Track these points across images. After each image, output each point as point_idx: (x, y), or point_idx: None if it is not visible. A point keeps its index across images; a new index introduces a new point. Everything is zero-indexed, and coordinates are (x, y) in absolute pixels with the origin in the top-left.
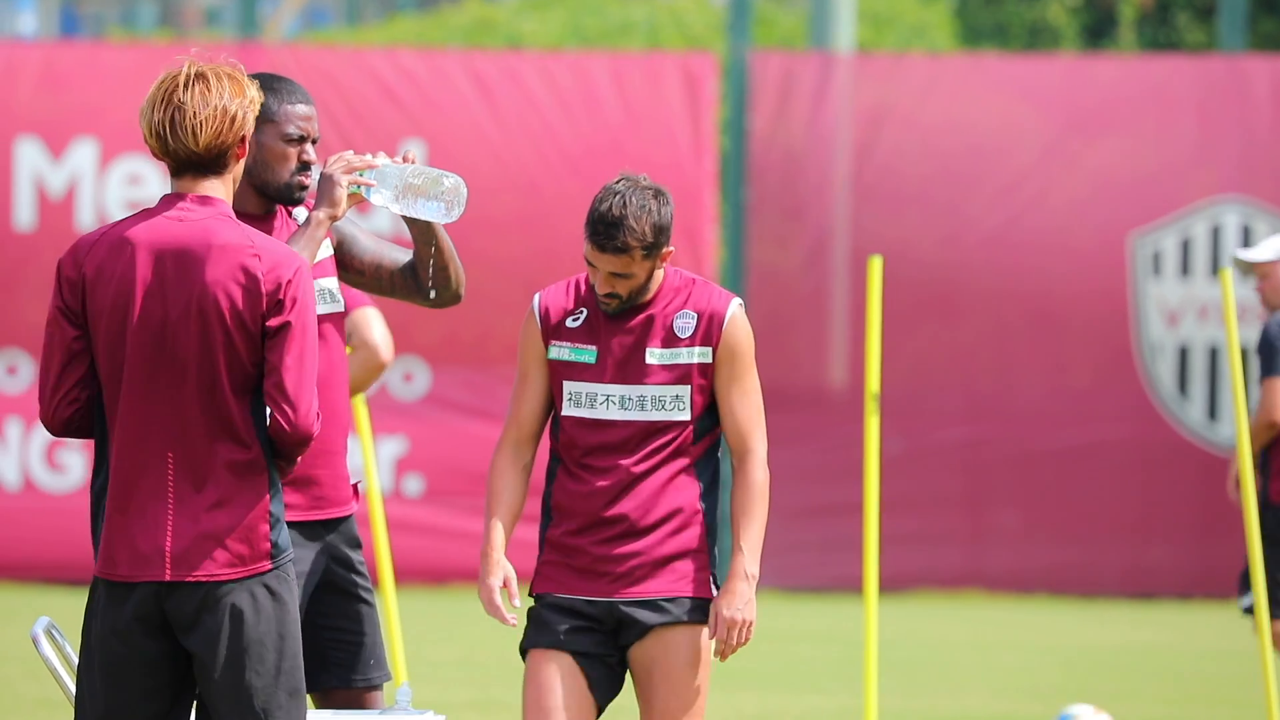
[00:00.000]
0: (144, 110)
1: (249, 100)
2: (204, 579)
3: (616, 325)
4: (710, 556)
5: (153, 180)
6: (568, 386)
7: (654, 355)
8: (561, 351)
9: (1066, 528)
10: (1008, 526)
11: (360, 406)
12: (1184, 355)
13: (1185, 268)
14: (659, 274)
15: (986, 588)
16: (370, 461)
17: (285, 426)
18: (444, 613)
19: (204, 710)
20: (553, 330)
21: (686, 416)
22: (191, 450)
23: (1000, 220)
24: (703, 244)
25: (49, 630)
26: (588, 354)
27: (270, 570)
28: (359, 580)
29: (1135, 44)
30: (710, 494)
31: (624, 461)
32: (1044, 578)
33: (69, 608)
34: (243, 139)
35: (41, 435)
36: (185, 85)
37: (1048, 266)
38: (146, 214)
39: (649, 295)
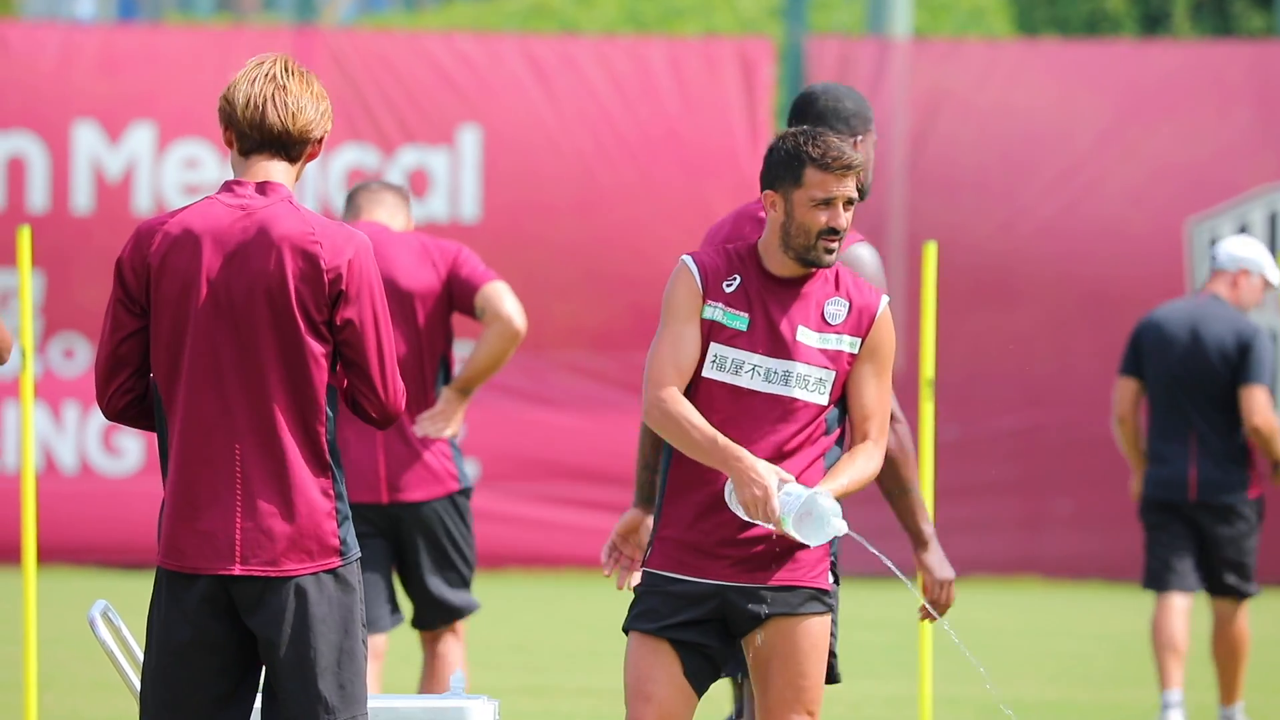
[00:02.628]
0: (237, 84)
1: (330, 107)
2: (273, 574)
3: (771, 297)
4: (831, 546)
5: (210, 164)
6: (714, 349)
7: (805, 335)
8: (715, 312)
9: (1121, 514)
10: (1062, 513)
11: None
12: None
13: None
14: None
15: (1041, 574)
16: None
17: (373, 413)
18: (498, 598)
19: (270, 694)
20: (711, 288)
21: (824, 401)
22: (258, 443)
23: (1056, 206)
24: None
25: (105, 614)
26: (741, 320)
27: (339, 567)
28: None
29: (1192, 31)
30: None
31: (757, 436)
32: (1099, 564)
33: (126, 591)
34: (322, 138)
35: (98, 419)
36: (286, 71)
37: (1104, 253)
38: (208, 202)
39: (808, 270)
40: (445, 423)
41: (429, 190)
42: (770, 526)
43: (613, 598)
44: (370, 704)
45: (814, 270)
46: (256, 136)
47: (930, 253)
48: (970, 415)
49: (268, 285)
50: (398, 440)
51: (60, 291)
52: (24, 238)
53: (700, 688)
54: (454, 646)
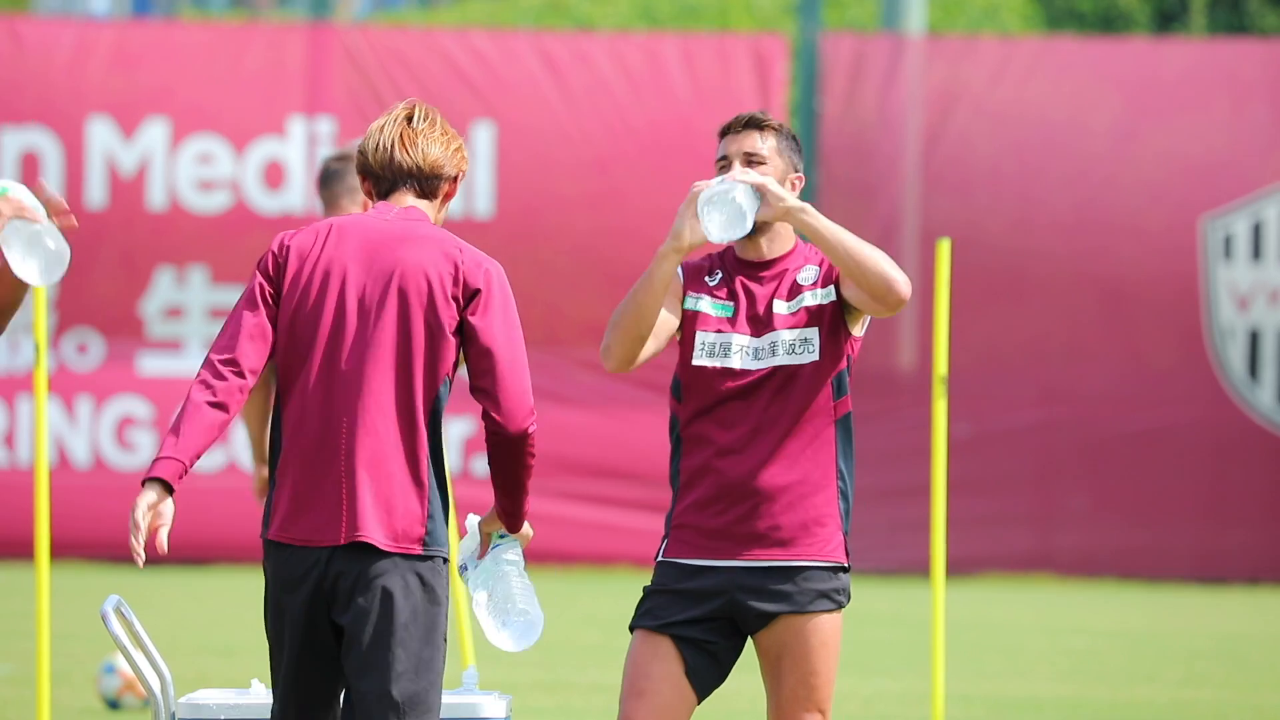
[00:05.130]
0: (371, 132)
1: (461, 149)
2: (364, 540)
3: (749, 281)
4: (843, 523)
5: (223, 159)
6: (701, 336)
7: (781, 305)
8: (700, 303)
9: (1136, 512)
10: (1077, 510)
11: None
12: (1255, 339)
13: (1257, 251)
14: (786, 232)
15: (1055, 571)
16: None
17: (500, 421)
18: None
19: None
20: (691, 280)
21: (815, 356)
22: (368, 428)
23: (1071, 203)
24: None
25: (118, 608)
26: (727, 308)
27: (421, 557)
28: None
29: (1206, 28)
30: (847, 458)
31: (755, 410)
32: (1113, 562)
33: (138, 586)
34: (455, 178)
35: (112, 413)
36: (412, 116)
37: (1118, 250)
38: (355, 215)
39: (782, 252)
40: None
41: None
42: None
43: (627, 594)
44: None
45: (791, 250)
46: (390, 176)
47: (944, 250)
48: (984, 412)
49: (403, 278)
50: None
51: (74, 286)
52: None
53: (702, 688)
54: None
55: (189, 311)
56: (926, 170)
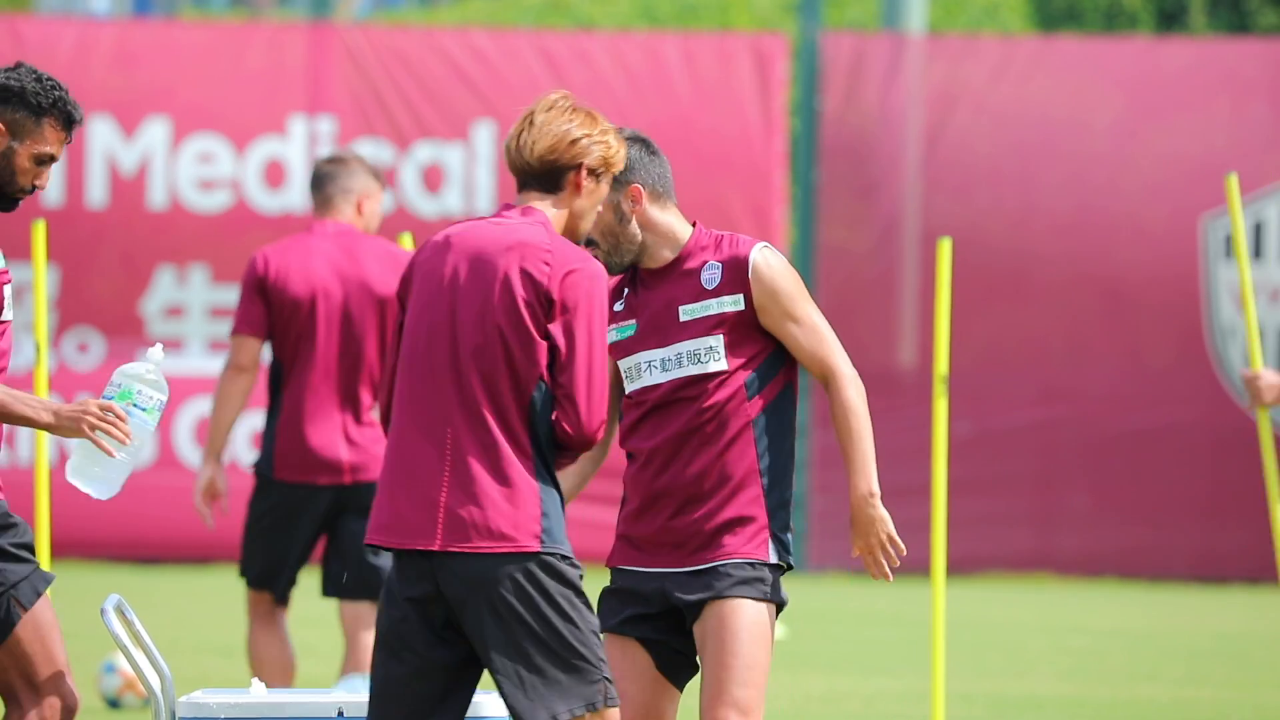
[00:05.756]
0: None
1: (603, 140)
2: (469, 550)
3: (651, 292)
4: (771, 517)
5: (224, 158)
6: (622, 365)
7: (686, 312)
8: (612, 334)
9: (1136, 511)
10: (1077, 509)
11: None
12: None
13: (1257, 250)
14: (669, 232)
15: (1056, 571)
16: None
17: (568, 429)
18: None
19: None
20: (610, 316)
21: (722, 366)
22: (469, 433)
23: (1071, 202)
24: (772, 225)
25: (119, 607)
26: (629, 329)
27: (539, 555)
28: None
29: (1207, 27)
30: (774, 452)
31: (671, 420)
32: (1114, 561)
33: (139, 585)
34: (579, 166)
35: None
36: (543, 108)
37: (1119, 249)
38: (477, 218)
39: (676, 252)
40: None
41: (444, 185)
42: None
43: None
44: None
45: (687, 243)
46: (516, 175)
47: (945, 249)
48: (984, 411)
49: (489, 290)
50: (358, 426)
51: (74, 286)
52: (39, 232)
53: (678, 680)
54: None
55: (190, 311)
56: (927, 170)
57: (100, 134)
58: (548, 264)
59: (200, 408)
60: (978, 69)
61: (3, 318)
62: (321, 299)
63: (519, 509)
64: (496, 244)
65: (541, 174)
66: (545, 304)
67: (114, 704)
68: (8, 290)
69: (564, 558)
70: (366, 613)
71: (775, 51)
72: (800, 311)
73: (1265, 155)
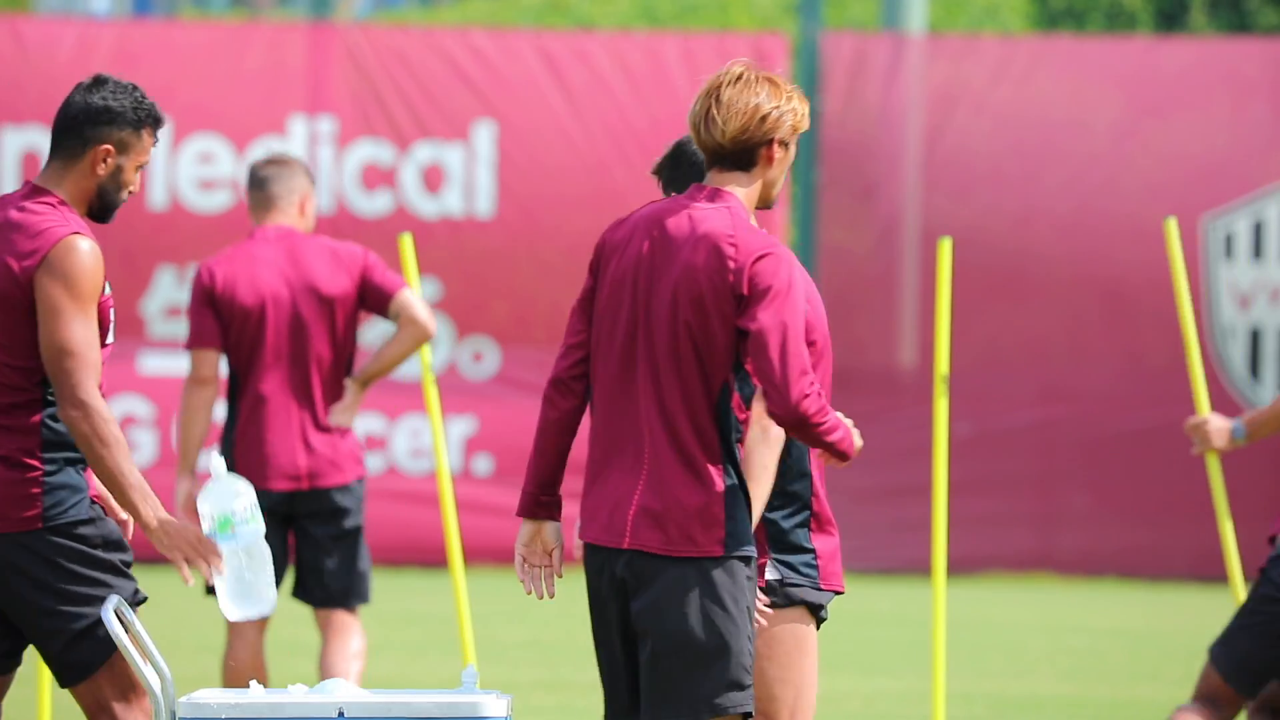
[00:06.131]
0: (691, 106)
1: (788, 108)
2: (656, 550)
3: None
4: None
5: (224, 158)
6: None
7: None
8: None
9: (1137, 511)
10: (1078, 509)
11: (430, 386)
12: (1256, 338)
13: (1257, 250)
14: None
15: (1056, 571)
16: (440, 441)
17: (776, 410)
18: (512, 593)
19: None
20: None
21: None
22: (661, 428)
23: (1071, 202)
24: (773, 225)
25: (118, 608)
26: None
27: (722, 558)
28: None
29: (1208, 27)
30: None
31: None
32: (1114, 561)
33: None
34: (771, 141)
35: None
36: (728, 83)
37: (1119, 249)
38: (671, 199)
39: None
40: (354, 413)
41: (444, 185)
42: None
43: None
44: (380, 699)
45: None
46: (705, 153)
47: (945, 249)
48: (986, 411)
49: (677, 279)
50: (316, 431)
51: None
52: None
53: None
54: (357, 635)
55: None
56: (927, 169)
57: None
58: (734, 256)
59: None
60: (978, 69)
61: (106, 341)
62: (271, 306)
63: (705, 512)
64: (683, 234)
65: (734, 153)
66: (734, 295)
67: None
68: (111, 314)
69: (745, 560)
70: (335, 619)
71: (775, 51)
72: None
73: (1265, 155)
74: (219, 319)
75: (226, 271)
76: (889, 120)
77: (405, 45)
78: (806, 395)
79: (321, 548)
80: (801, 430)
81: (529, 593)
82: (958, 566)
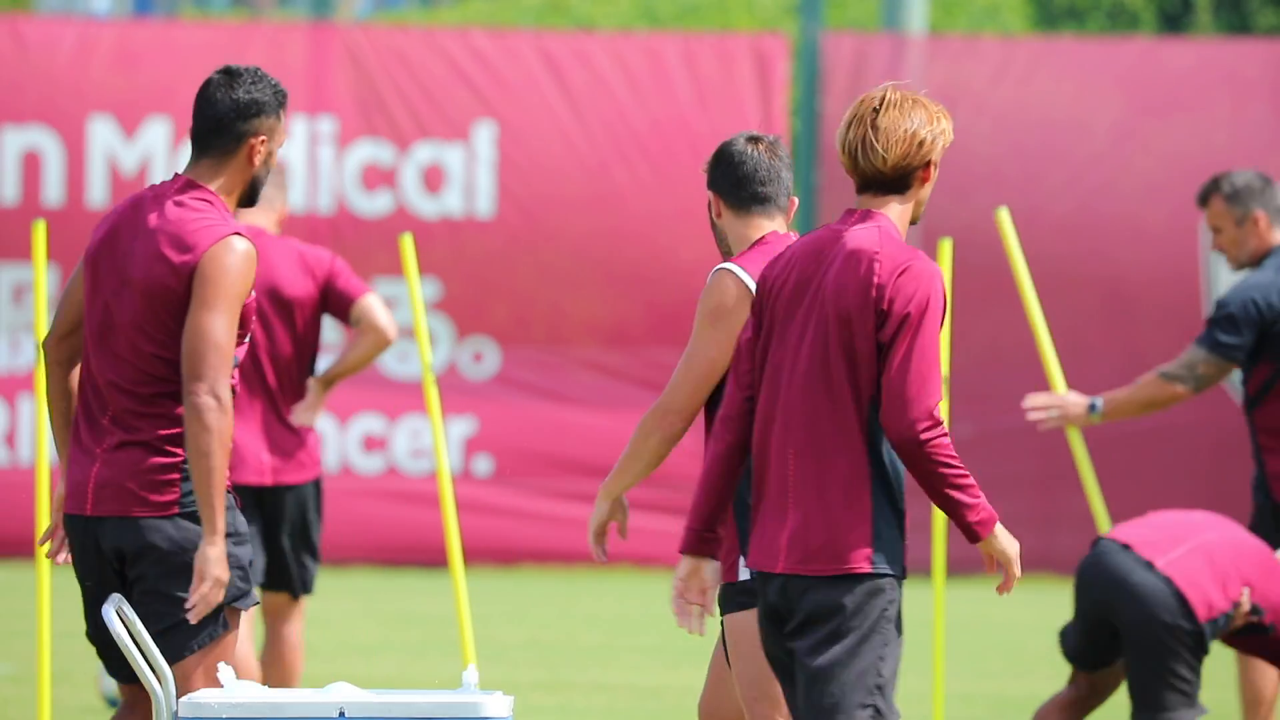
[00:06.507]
0: (840, 130)
1: (940, 129)
2: (807, 572)
3: None
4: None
5: None
6: None
7: None
8: None
9: (1137, 511)
10: (1077, 509)
11: (430, 386)
12: None
13: None
14: (747, 235)
15: (1056, 572)
16: (440, 442)
17: (889, 425)
18: (513, 593)
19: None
20: None
21: None
22: (812, 450)
23: (1071, 203)
24: None
25: (119, 607)
26: None
27: (868, 578)
28: None
29: (1211, 27)
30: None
31: None
32: None
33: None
34: (927, 164)
35: None
36: (881, 108)
37: (1120, 250)
38: (824, 227)
39: None
40: (317, 412)
41: (444, 186)
42: None
43: (628, 594)
44: (381, 699)
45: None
46: (859, 179)
47: (945, 250)
48: (986, 412)
49: (824, 299)
50: (279, 427)
51: None
52: (39, 232)
53: None
54: (298, 626)
55: None
56: None
57: (101, 134)
58: (878, 270)
59: None
60: (978, 69)
61: (243, 340)
62: None
63: (853, 531)
64: (834, 257)
65: (894, 179)
66: (877, 311)
67: (114, 703)
68: (251, 315)
69: (893, 578)
70: (284, 605)
71: (776, 52)
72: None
73: (1266, 155)
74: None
75: None
76: None
77: (406, 45)
78: (924, 419)
79: (279, 538)
80: (913, 454)
81: (681, 626)
82: (957, 566)
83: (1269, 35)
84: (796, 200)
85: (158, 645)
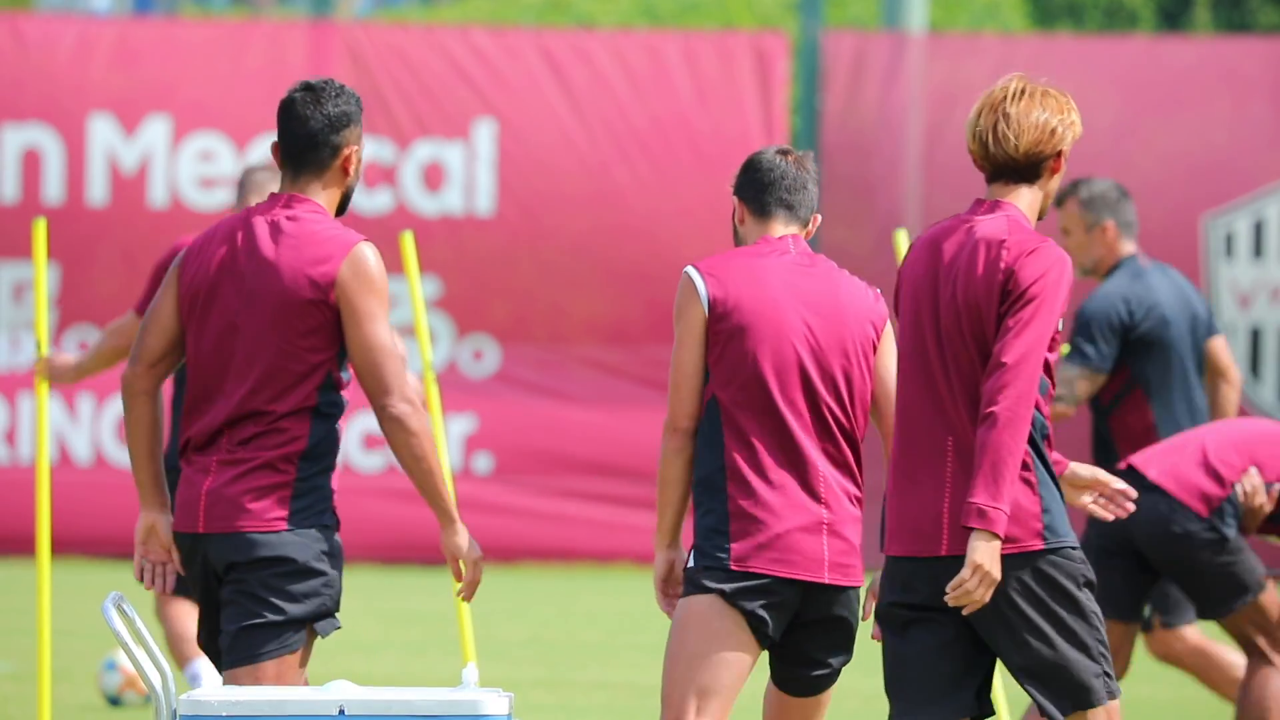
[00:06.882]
0: (970, 119)
1: (1070, 120)
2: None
3: None
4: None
5: (225, 156)
6: None
7: None
8: None
9: None
10: (1077, 509)
11: (430, 384)
12: (1256, 337)
13: (1258, 249)
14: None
15: None
16: (440, 439)
17: (984, 393)
18: (513, 592)
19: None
20: None
21: None
22: (966, 436)
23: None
24: None
25: (119, 605)
26: None
27: (1042, 552)
28: None
29: (1210, 25)
30: (699, 465)
31: None
32: None
33: (139, 583)
34: (1058, 154)
35: (112, 410)
36: (1013, 97)
37: None
38: (954, 217)
39: None
40: None
41: (444, 184)
42: None
43: (628, 592)
44: (381, 697)
45: None
46: (990, 168)
47: (900, 241)
48: None
49: (958, 288)
50: None
51: (75, 284)
52: (39, 230)
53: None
54: None
55: None
56: (928, 168)
57: (101, 132)
58: (1005, 255)
59: None
60: (978, 68)
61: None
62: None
63: (1020, 508)
64: (962, 246)
65: (1025, 167)
66: (1003, 293)
67: (115, 701)
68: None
69: (1071, 548)
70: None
71: (776, 50)
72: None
73: (1266, 154)
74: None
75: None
76: (889, 119)
77: (406, 43)
78: (1004, 389)
79: None
80: (992, 416)
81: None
82: None
83: (1269, 33)
84: (820, 218)
85: (236, 642)
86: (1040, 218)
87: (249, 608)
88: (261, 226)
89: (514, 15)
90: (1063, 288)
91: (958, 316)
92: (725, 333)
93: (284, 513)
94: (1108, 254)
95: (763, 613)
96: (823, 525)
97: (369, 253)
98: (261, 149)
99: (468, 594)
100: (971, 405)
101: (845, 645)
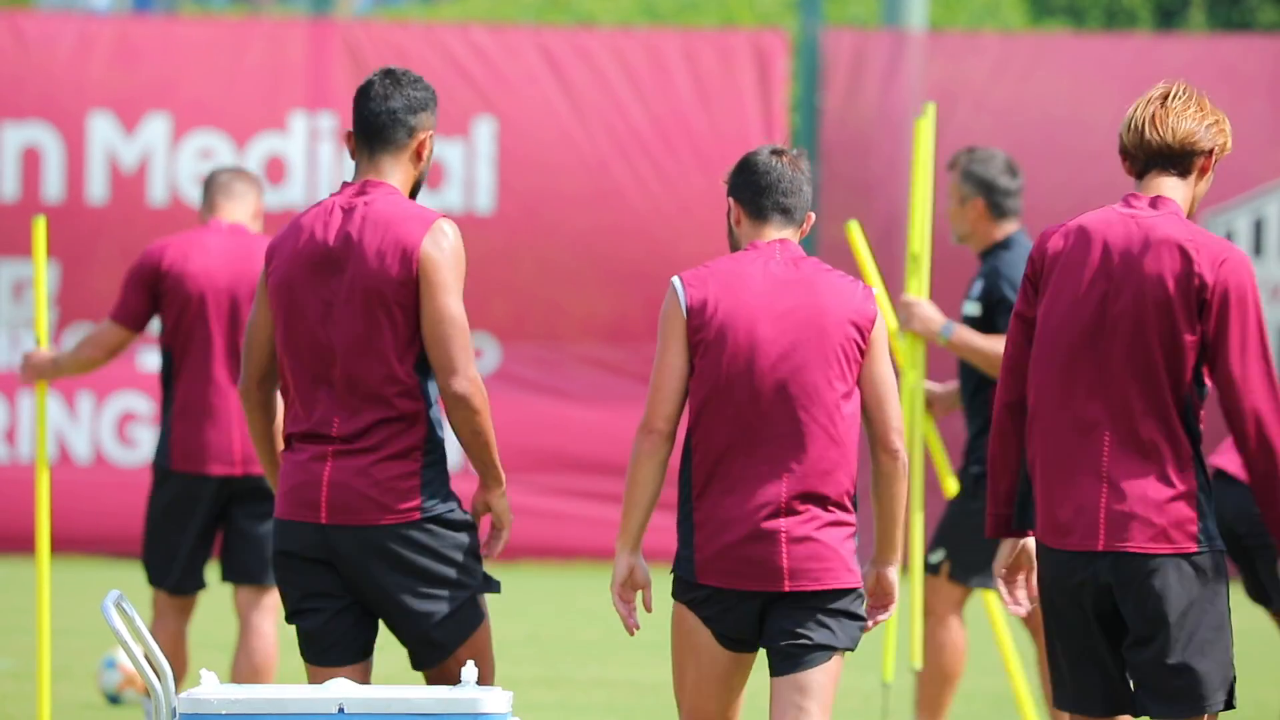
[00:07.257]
0: (1128, 115)
1: (1222, 126)
2: (1134, 550)
3: None
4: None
5: (225, 154)
6: None
7: None
8: None
9: None
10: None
11: None
12: None
13: (1258, 248)
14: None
15: None
16: None
17: (1231, 407)
18: (511, 590)
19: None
20: None
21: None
22: (1126, 435)
23: (1071, 200)
24: None
25: (119, 603)
26: None
27: (1197, 553)
28: None
29: (1207, 24)
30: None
31: None
32: None
33: (139, 581)
34: (1210, 150)
35: (112, 409)
36: (1174, 95)
37: None
38: (1099, 211)
39: None
40: None
41: (444, 182)
42: None
43: None
44: (381, 695)
45: None
46: (1142, 156)
47: (854, 231)
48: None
49: (1142, 285)
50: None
51: (75, 282)
52: (39, 228)
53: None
54: (270, 616)
55: None
56: None
57: (100, 130)
58: (1197, 260)
59: None
60: (978, 66)
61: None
62: (210, 294)
63: (1177, 509)
64: (1139, 241)
65: (1179, 155)
66: (1198, 300)
67: (114, 700)
68: None
69: (1220, 553)
70: (254, 596)
71: (776, 48)
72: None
73: (1265, 152)
74: (152, 301)
75: (175, 255)
76: (889, 118)
77: (405, 41)
78: (1268, 401)
79: (249, 528)
80: (1259, 437)
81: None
82: None
83: (1268, 31)
84: (814, 216)
85: (442, 634)
86: (1189, 217)
87: (437, 602)
88: (342, 214)
89: (513, 13)
90: (1257, 290)
91: (1139, 315)
92: (703, 342)
93: (416, 503)
94: (977, 231)
95: (728, 620)
96: (780, 534)
97: (448, 228)
98: (262, 147)
99: (495, 551)
100: (1141, 403)
101: (821, 624)
